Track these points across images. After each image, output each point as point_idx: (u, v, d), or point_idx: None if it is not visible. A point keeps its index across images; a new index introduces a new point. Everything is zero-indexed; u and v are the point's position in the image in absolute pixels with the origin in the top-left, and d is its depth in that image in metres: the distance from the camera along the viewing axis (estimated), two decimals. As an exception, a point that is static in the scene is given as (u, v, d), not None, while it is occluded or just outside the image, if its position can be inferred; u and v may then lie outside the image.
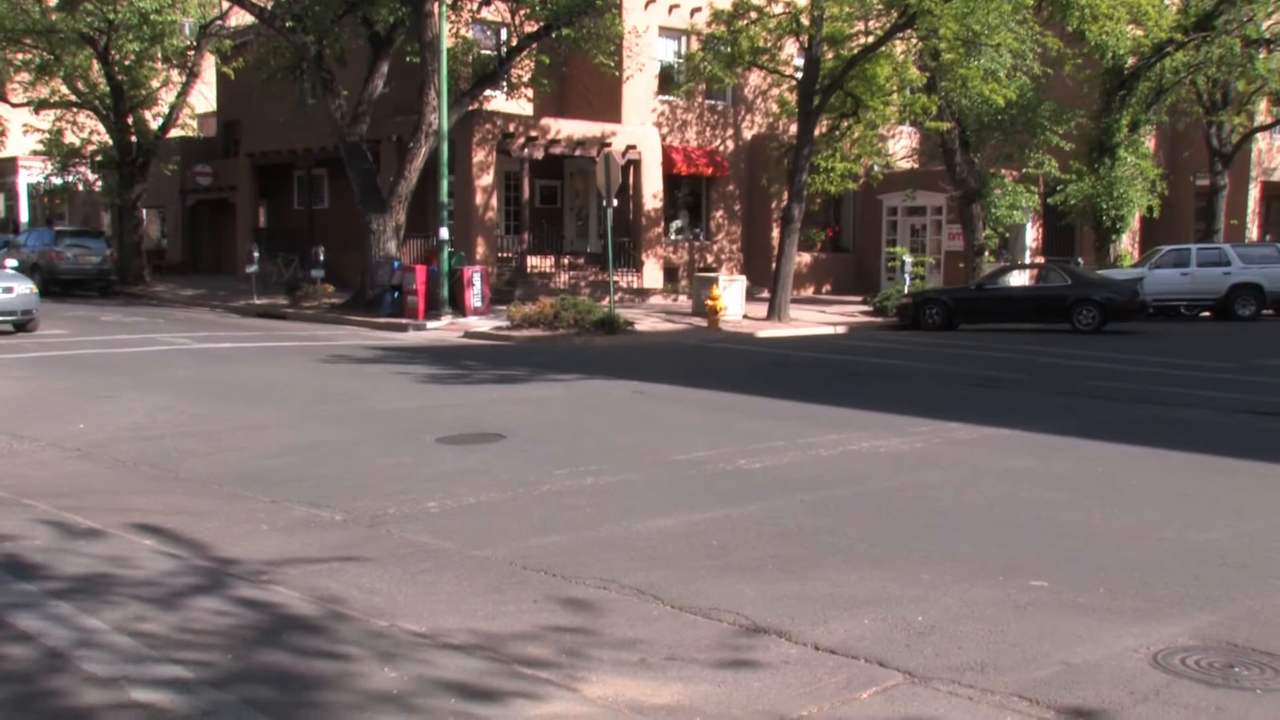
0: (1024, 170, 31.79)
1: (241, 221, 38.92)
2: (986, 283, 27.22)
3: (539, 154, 31.10)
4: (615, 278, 27.71)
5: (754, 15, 27.46)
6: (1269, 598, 6.31)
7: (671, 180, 34.05)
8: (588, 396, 14.72)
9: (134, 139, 36.06)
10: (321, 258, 29.38)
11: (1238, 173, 38.20)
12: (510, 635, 5.66)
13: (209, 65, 39.37)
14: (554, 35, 28.45)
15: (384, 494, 8.78)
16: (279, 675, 5.04)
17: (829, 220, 37.91)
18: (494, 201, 31.12)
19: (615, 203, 25.51)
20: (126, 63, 35.15)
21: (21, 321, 22.18)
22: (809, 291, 35.84)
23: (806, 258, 35.52)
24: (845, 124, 29.22)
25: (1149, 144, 34.75)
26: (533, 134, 30.93)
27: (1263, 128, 37.41)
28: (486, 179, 30.70)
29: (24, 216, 48.38)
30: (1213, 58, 32.03)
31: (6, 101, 38.61)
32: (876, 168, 33.61)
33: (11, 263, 25.79)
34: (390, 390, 15.02)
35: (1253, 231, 39.96)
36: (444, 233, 25.75)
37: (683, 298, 31.46)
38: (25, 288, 22.36)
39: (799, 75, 28.07)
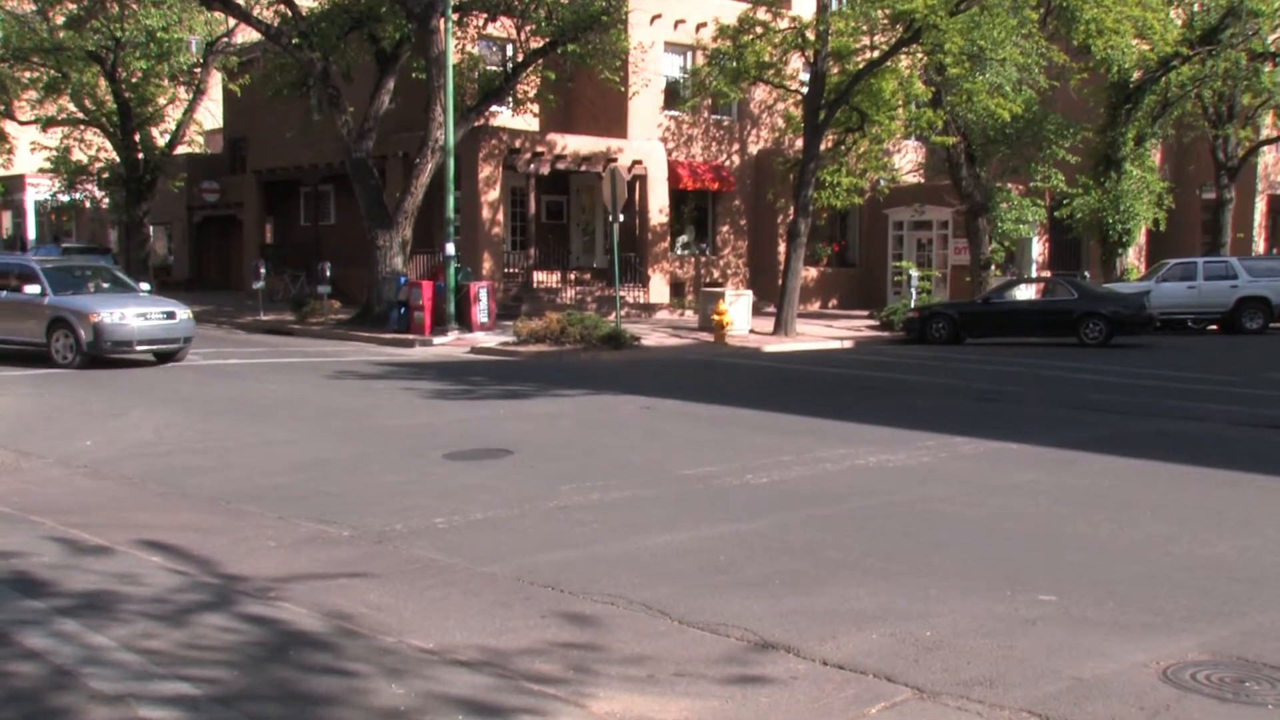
0: (1030, 184, 31.81)
1: (248, 237, 39.03)
2: (993, 296, 27.16)
3: (545, 169, 31.16)
4: (621, 293, 27.72)
5: (760, 30, 27.54)
6: (1279, 612, 6.29)
7: (677, 195, 34.08)
8: (595, 412, 14.71)
9: (141, 156, 36.19)
10: (328, 273, 29.42)
11: (1244, 186, 38.17)
12: (518, 651, 5.65)
13: (216, 82, 39.57)
14: (560, 51, 28.54)
15: (391, 510, 8.77)
16: (286, 692, 5.04)
17: (835, 235, 37.91)
18: (500, 217, 31.17)
19: (621, 218, 25.54)
20: (134, 80, 35.34)
21: (174, 350, 19.80)
22: (815, 306, 35.83)
23: (813, 272, 35.53)
24: (851, 138, 29.27)
25: (1155, 157, 34.75)
26: (539, 149, 31.00)
27: (1269, 141, 37.39)
28: (492, 194, 30.75)
29: (31, 233, 48.57)
30: (1218, 71, 32.07)
31: (14, 119, 38.81)
32: (882, 182, 33.62)
33: (145, 285, 22.35)
34: (397, 406, 15.02)
35: (1259, 245, 39.90)
36: (450, 248, 25.77)
37: (689, 313, 31.45)
38: (185, 313, 19.90)
39: (805, 90, 28.10)
